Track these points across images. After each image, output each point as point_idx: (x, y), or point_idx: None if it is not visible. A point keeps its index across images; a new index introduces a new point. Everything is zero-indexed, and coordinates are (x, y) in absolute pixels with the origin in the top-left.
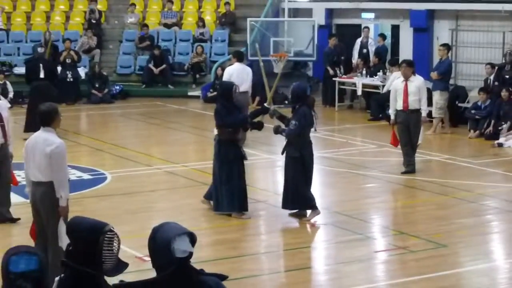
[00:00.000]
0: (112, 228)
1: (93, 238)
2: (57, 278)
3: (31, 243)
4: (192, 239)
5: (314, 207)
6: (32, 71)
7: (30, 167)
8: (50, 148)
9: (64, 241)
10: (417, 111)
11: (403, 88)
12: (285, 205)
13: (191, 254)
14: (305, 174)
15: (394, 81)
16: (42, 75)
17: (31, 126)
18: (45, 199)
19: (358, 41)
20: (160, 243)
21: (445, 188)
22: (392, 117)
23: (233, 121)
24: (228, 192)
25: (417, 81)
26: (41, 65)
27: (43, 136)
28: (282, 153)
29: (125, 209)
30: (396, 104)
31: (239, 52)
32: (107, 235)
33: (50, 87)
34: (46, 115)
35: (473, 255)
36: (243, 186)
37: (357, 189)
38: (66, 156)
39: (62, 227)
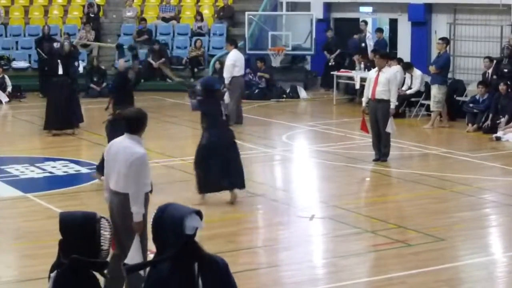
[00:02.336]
0: (102, 216)
1: (89, 227)
2: (52, 274)
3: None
4: (200, 216)
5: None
6: (51, 67)
7: (110, 174)
8: (132, 158)
9: (135, 258)
10: (385, 101)
11: (375, 78)
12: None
13: (196, 232)
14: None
15: (371, 70)
16: (60, 71)
17: (52, 124)
18: (121, 211)
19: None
20: (170, 220)
21: (443, 181)
22: (364, 104)
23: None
24: (237, 169)
25: (388, 73)
26: (59, 61)
27: (126, 144)
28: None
29: None
30: (368, 93)
31: (235, 40)
32: (101, 223)
33: (68, 83)
34: (134, 122)
35: (471, 249)
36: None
37: (355, 183)
38: (146, 169)
39: (134, 244)
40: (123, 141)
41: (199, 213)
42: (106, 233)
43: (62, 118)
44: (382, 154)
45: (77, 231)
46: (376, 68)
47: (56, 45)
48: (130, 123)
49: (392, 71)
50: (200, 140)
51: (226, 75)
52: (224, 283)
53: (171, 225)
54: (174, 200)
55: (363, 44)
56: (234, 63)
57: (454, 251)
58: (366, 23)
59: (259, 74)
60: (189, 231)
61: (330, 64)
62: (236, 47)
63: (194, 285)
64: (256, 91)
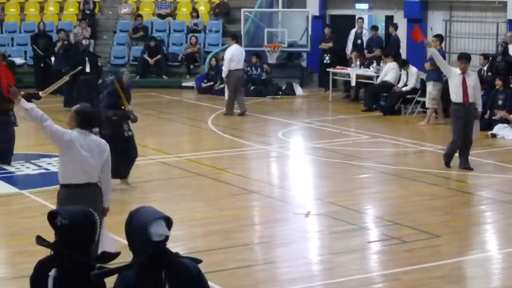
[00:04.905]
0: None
1: (92, 220)
2: (51, 274)
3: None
4: (168, 222)
5: None
6: (78, 65)
7: (83, 168)
8: (107, 151)
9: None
10: (475, 105)
11: (462, 82)
12: None
13: (167, 237)
14: None
15: (452, 71)
16: (88, 69)
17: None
18: (94, 200)
19: (353, 31)
20: (137, 227)
21: (439, 178)
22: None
23: None
24: None
25: (473, 75)
26: (86, 58)
27: (92, 138)
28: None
29: (119, 199)
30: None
31: (236, 35)
32: (96, 216)
33: (94, 82)
34: (91, 116)
35: (467, 245)
36: None
37: (350, 179)
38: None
39: (106, 233)
40: (87, 137)
41: (167, 219)
42: (97, 225)
43: None
44: (466, 161)
45: (83, 225)
46: (459, 71)
47: (85, 42)
48: (91, 118)
49: (474, 73)
50: None
51: (224, 68)
52: None
53: (138, 232)
54: (171, 196)
55: (359, 41)
56: (231, 57)
57: (449, 248)
58: (363, 20)
59: (263, 65)
60: (156, 238)
61: (324, 61)
62: (237, 42)
63: None
64: (252, 88)
